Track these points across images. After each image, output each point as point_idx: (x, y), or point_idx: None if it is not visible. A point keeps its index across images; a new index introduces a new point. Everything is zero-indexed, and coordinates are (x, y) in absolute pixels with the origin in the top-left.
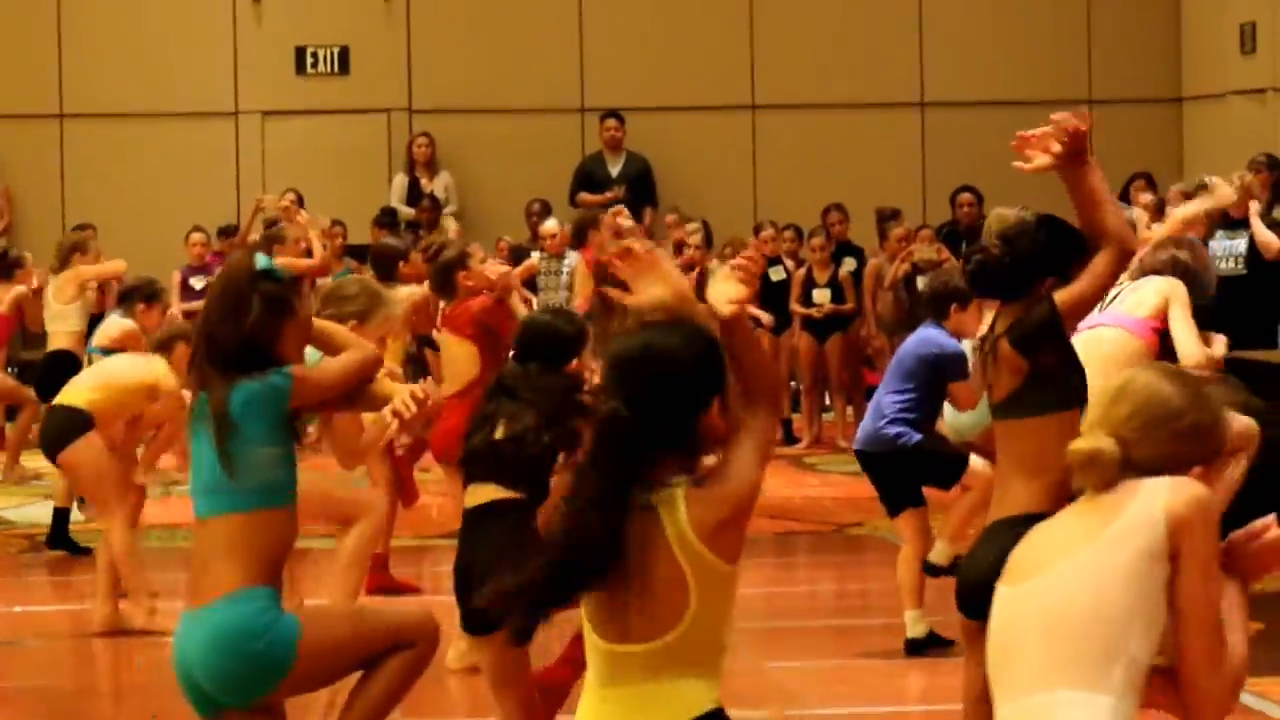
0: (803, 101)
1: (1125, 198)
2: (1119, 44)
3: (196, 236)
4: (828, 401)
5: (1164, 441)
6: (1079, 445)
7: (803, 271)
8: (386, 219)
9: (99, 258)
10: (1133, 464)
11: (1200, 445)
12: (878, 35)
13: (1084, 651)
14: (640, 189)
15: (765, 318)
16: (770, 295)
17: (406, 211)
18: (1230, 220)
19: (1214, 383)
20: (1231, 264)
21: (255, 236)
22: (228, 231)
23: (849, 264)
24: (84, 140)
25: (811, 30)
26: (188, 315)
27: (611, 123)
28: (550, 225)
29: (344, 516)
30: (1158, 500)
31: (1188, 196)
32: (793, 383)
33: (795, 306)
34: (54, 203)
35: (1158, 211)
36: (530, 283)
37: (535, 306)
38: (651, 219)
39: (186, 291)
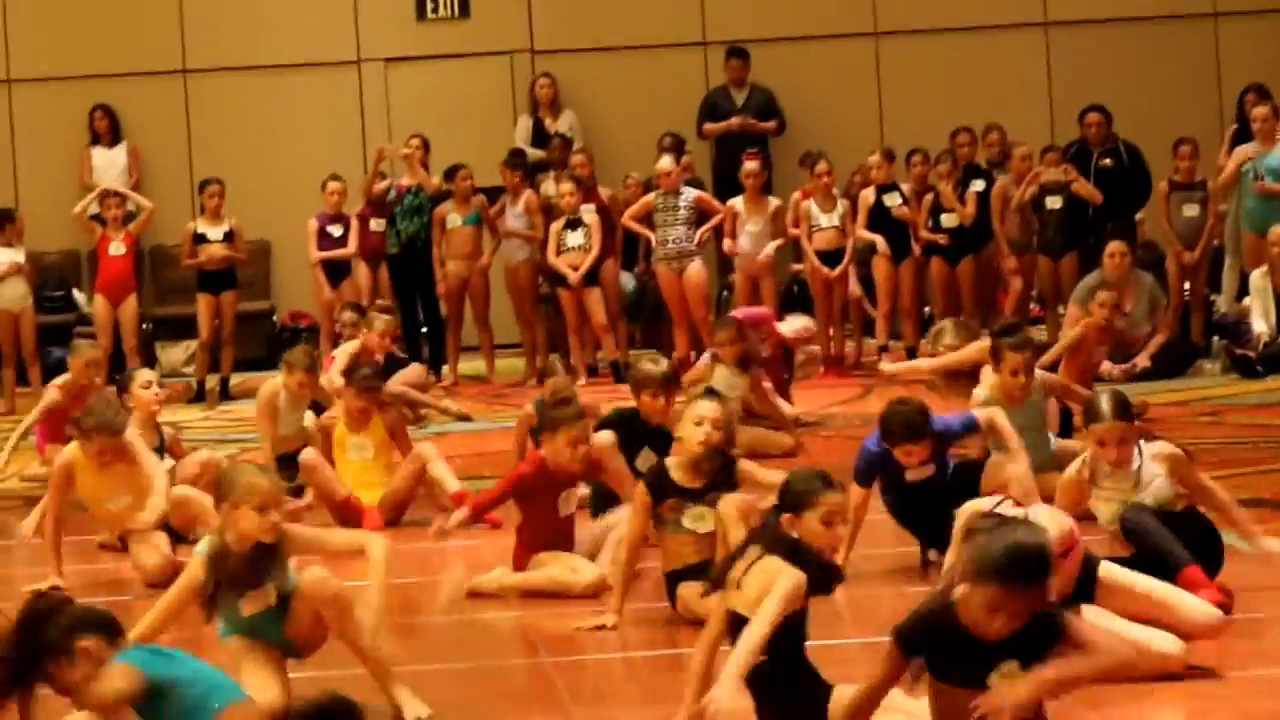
0: (925, 26)
1: (1241, 110)
2: None
3: (334, 185)
4: None
5: None
6: None
7: (930, 197)
8: (517, 159)
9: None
10: None
11: None
12: None
13: None
14: (766, 120)
15: (881, 244)
16: (887, 223)
17: (535, 153)
18: None
19: None
20: None
21: (380, 186)
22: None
23: (977, 185)
24: (208, 95)
25: None
26: (325, 263)
27: (735, 62)
28: (665, 163)
29: None
30: None
31: None
32: (926, 308)
33: (924, 233)
34: (181, 159)
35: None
36: (647, 219)
37: (654, 242)
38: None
39: (324, 239)
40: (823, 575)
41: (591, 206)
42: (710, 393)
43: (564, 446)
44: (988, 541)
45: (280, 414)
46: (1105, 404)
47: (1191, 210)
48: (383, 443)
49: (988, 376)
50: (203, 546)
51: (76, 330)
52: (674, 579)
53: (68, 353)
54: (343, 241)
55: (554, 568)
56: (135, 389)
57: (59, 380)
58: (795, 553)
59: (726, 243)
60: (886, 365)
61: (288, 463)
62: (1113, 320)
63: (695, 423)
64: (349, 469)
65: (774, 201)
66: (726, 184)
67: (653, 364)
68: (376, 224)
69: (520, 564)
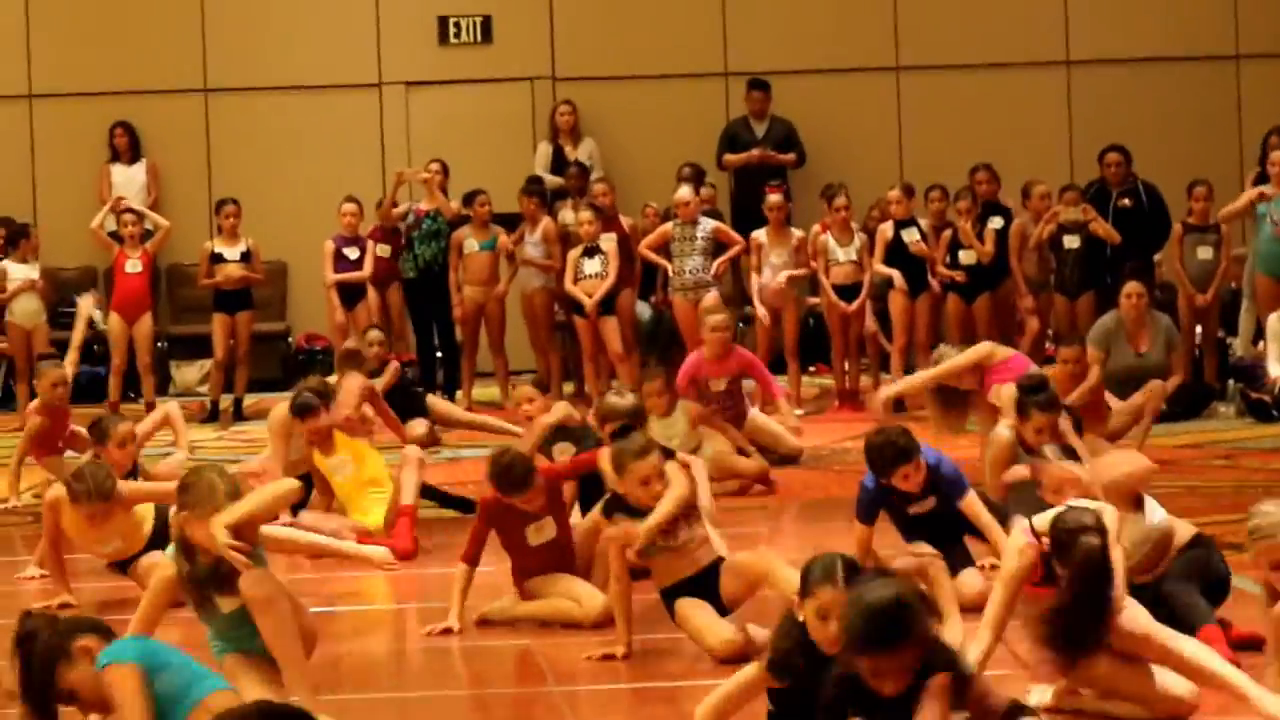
0: (947, 62)
1: (1264, 153)
2: None
3: (348, 206)
4: None
5: None
6: None
7: (949, 233)
8: (535, 186)
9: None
10: None
11: None
12: None
13: None
14: (786, 152)
15: (898, 279)
16: (904, 258)
17: (554, 180)
18: None
19: None
20: None
21: (399, 209)
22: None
23: (995, 223)
24: (228, 115)
25: None
26: (340, 285)
27: (757, 94)
28: (683, 193)
29: None
30: None
31: None
32: (941, 344)
33: (941, 269)
34: (200, 177)
35: None
36: (664, 248)
37: (670, 272)
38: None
39: (340, 261)
40: (794, 664)
41: (613, 236)
42: (624, 431)
43: (520, 504)
44: (848, 611)
45: (292, 438)
46: (1047, 452)
47: (1205, 253)
48: (359, 452)
49: (1006, 404)
50: (171, 547)
51: (94, 348)
52: (670, 595)
53: (34, 378)
54: (359, 264)
55: (558, 599)
56: (112, 447)
57: (33, 405)
58: (781, 634)
59: (756, 294)
60: (883, 391)
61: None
62: (1078, 373)
63: (642, 483)
64: (343, 491)
65: (797, 234)
66: (745, 215)
67: (618, 398)
68: (381, 249)
69: (520, 588)
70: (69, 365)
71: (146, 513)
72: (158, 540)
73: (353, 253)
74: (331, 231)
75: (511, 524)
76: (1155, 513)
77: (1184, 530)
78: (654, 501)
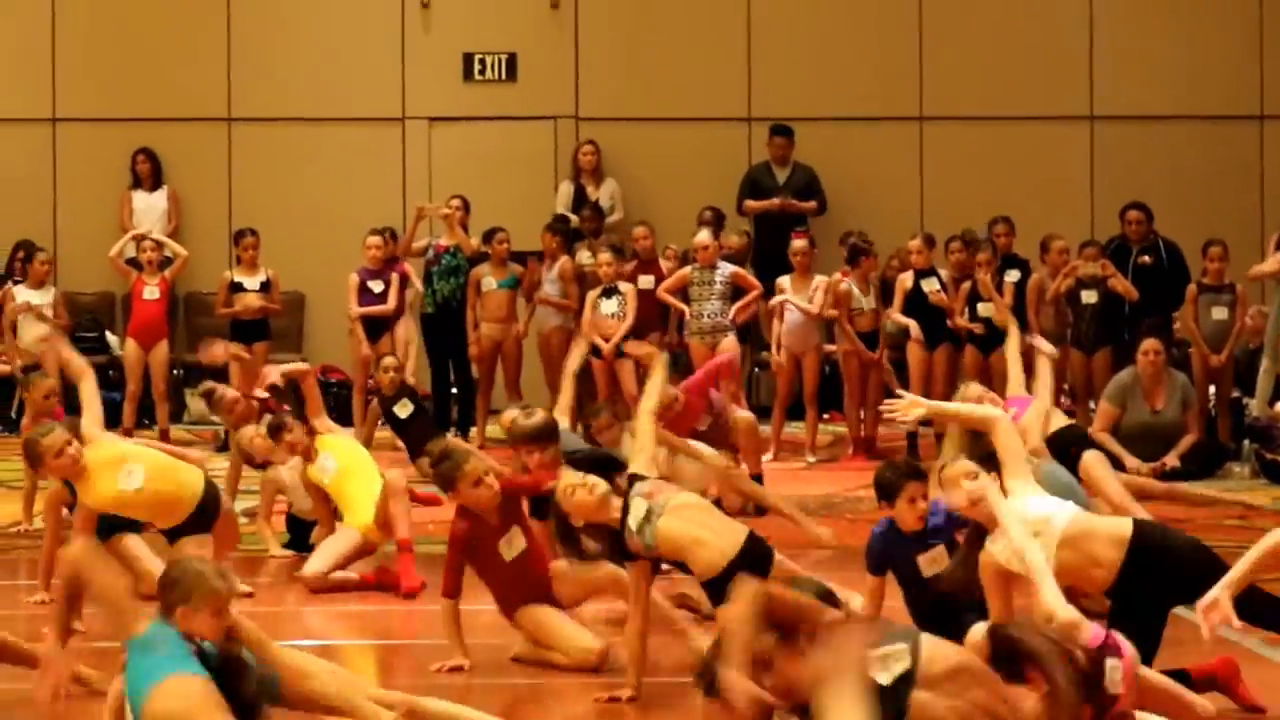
0: (970, 113)
1: None
2: None
3: (373, 240)
4: None
5: None
6: None
7: (968, 284)
8: (559, 224)
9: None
10: None
11: None
12: (1047, 47)
13: None
14: (807, 199)
15: (915, 329)
16: (924, 308)
17: (575, 219)
18: None
19: None
20: None
21: (419, 244)
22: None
23: (1012, 276)
24: (251, 144)
25: (980, 41)
26: (365, 319)
27: (779, 140)
28: (702, 237)
29: None
30: None
31: None
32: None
33: (960, 320)
34: (221, 206)
35: None
36: (683, 292)
37: (687, 315)
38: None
39: (364, 294)
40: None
41: (651, 279)
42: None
43: (470, 490)
44: None
45: (289, 490)
46: (951, 454)
47: (1220, 313)
48: (333, 446)
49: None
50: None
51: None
52: (716, 587)
53: (22, 388)
54: (383, 297)
55: (551, 654)
56: (49, 460)
57: (25, 420)
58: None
59: (776, 339)
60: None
61: (308, 531)
62: None
63: (568, 493)
64: (334, 489)
65: (820, 279)
66: (765, 261)
67: (526, 418)
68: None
69: (510, 620)
70: None
71: (191, 476)
72: (202, 516)
73: (377, 286)
74: (351, 264)
75: (485, 542)
76: (1030, 497)
77: (1107, 527)
78: (598, 511)
